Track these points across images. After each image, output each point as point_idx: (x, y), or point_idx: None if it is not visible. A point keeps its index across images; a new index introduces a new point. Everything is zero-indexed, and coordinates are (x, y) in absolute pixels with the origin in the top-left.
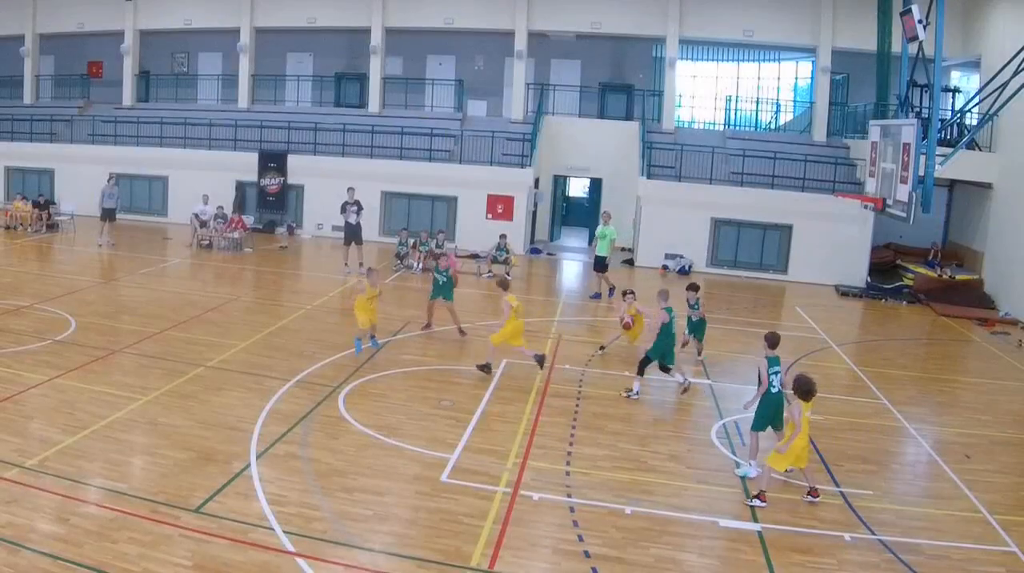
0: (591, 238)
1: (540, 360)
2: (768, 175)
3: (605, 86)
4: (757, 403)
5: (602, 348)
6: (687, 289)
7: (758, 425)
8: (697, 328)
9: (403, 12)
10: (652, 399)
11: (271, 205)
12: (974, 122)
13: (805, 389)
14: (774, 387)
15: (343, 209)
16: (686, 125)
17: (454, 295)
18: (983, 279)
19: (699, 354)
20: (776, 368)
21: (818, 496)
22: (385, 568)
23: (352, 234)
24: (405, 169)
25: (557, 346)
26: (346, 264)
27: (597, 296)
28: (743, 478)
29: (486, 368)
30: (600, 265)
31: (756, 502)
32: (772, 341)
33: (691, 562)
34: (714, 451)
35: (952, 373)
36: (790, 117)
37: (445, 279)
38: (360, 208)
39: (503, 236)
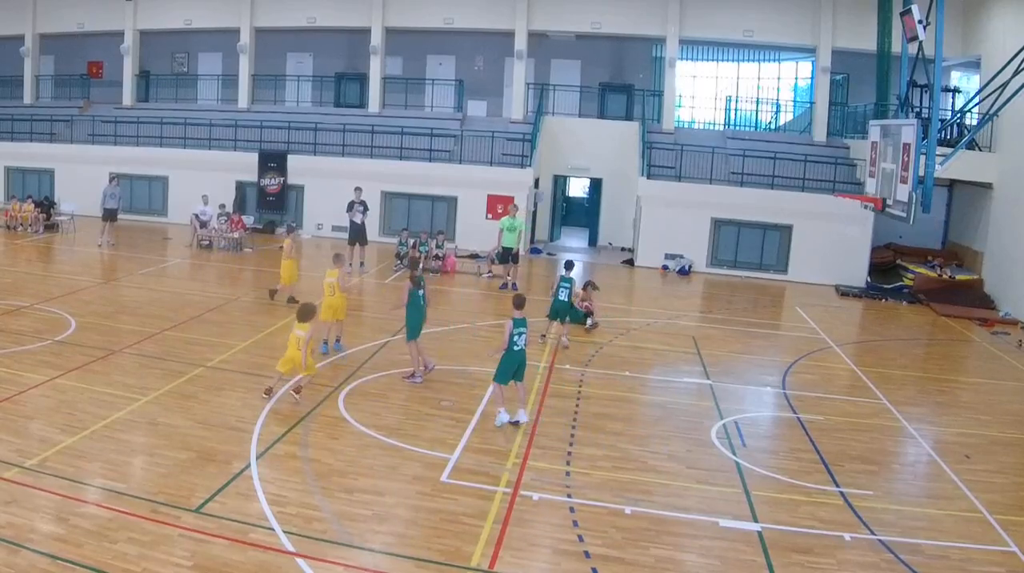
0: (591, 238)
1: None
2: (768, 175)
3: (605, 86)
4: (501, 358)
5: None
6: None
7: (501, 378)
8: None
9: (403, 12)
10: (652, 399)
11: (271, 205)
12: (974, 122)
13: (301, 312)
14: (516, 345)
15: (349, 207)
16: (686, 125)
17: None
18: (983, 279)
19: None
20: (521, 329)
21: (299, 392)
22: (385, 568)
23: (357, 234)
24: (405, 169)
25: (557, 346)
26: (350, 264)
27: (505, 286)
28: (501, 426)
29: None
30: (508, 257)
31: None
32: (517, 303)
33: (691, 562)
34: (714, 451)
35: (952, 373)
36: (790, 117)
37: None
38: (366, 208)
39: None
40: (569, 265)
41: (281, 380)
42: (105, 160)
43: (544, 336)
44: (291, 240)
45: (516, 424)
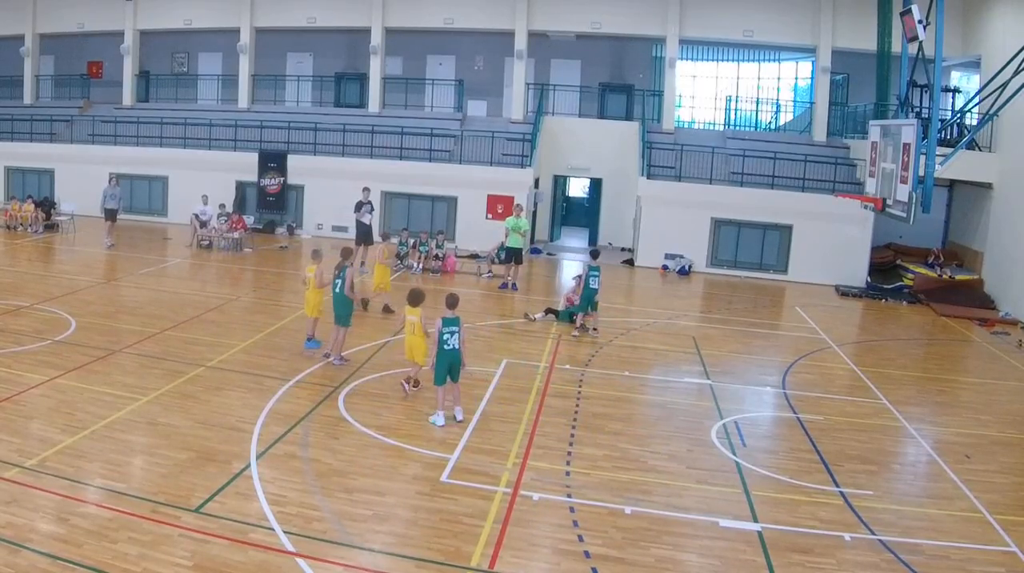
0: (591, 238)
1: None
2: (768, 175)
3: (605, 86)
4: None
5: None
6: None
7: (439, 380)
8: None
9: (403, 12)
10: (652, 399)
11: (271, 205)
12: (974, 122)
13: (412, 296)
14: (447, 345)
15: (358, 208)
16: (686, 125)
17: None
18: (983, 279)
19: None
20: (453, 328)
21: (418, 385)
22: (385, 568)
23: (364, 234)
24: (405, 169)
25: (557, 346)
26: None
27: (505, 286)
28: (439, 426)
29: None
30: (513, 256)
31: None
32: (449, 302)
33: (691, 562)
34: (714, 451)
35: (952, 373)
36: (790, 117)
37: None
38: (372, 209)
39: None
40: (595, 254)
41: (416, 370)
42: (105, 160)
43: (594, 330)
44: (385, 246)
45: (455, 420)
